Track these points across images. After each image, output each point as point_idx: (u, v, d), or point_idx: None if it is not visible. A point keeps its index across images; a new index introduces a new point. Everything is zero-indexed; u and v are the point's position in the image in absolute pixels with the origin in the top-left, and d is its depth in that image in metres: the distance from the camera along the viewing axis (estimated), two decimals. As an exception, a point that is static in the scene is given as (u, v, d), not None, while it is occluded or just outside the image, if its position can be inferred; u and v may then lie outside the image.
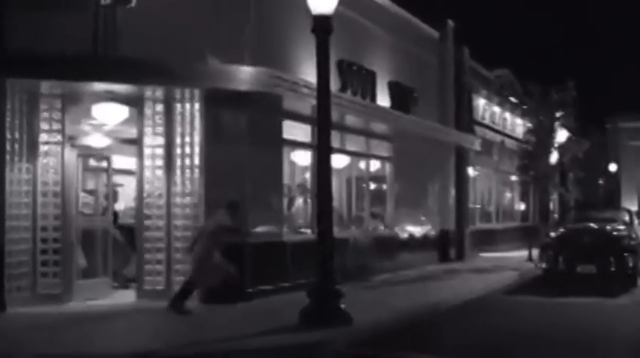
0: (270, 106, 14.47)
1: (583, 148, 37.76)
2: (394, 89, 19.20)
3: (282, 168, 15.48)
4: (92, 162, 14.73)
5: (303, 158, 16.88)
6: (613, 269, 17.66)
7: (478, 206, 30.77)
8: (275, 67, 13.98)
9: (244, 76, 13.24)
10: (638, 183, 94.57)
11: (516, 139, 31.05)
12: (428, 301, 14.58)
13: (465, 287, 17.11)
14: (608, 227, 19.00)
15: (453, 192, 24.87)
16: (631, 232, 18.94)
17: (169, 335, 10.66)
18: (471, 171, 28.02)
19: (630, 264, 17.79)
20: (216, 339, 10.03)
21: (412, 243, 21.49)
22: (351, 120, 17.63)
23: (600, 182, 57.50)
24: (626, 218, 20.93)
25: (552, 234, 19.18)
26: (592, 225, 19.42)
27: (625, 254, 17.77)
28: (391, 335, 11.25)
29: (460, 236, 25.33)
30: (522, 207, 36.47)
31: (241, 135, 14.04)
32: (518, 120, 33.26)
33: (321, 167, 11.58)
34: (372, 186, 20.39)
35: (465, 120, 26.15)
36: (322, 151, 11.57)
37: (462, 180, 25.65)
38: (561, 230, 19.86)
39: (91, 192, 14.71)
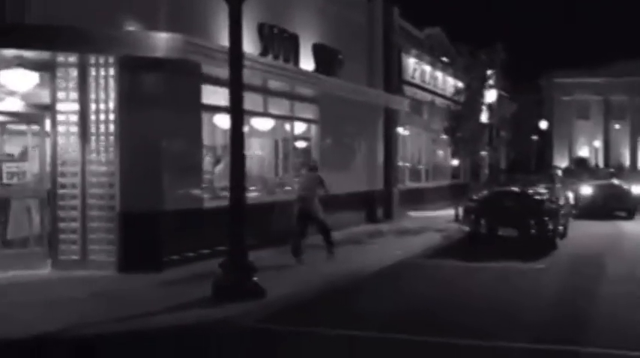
0: (188, 72, 14.21)
1: (511, 109, 38.25)
2: (319, 52, 18.98)
3: (202, 134, 15.22)
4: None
5: (225, 122, 16.61)
6: (533, 232, 17.92)
7: (408, 165, 30.96)
8: (194, 33, 13.73)
9: (159, 42, 12.95)
10: (570, 137, 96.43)
11: (447, 98, 31.17)
12: (347, 268, 14.57)
13: (386, 251, 17.19)
14: (529, 191, 19.24)
15: (381, 152, 24.90)
16: (552, 196, 19.16)
17: (73, 311, 10.28)
18: (400, 131, 28.10)
19: (550, 227, 18.07)
20: (121, 317, 9.77)
21: (339, 204, 21.41)
22: (274, 83, 17.47)
23: (534, 138, 58.17)
24: (549, 181, 21.24)
25: (475, 198, 19.31)
26: (514, 188, 19.67)
27: (545, 217, 18.01)
28: (305, 307, 11.24)
29: (388, 196, 25.45)
30: (456, 162, 36.76)
31: (158, 102, 13.80)
32: (450, 79, 33.43)
33: (234, 136, 11.38)
34: (298, 148, 20.25)
35: (395, 80, 26.13)
36: (235, 120, 11.37)
37: (390, 141, 25.68)
38: (484, 193, 20.08)
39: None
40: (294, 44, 17.81)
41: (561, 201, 20.18)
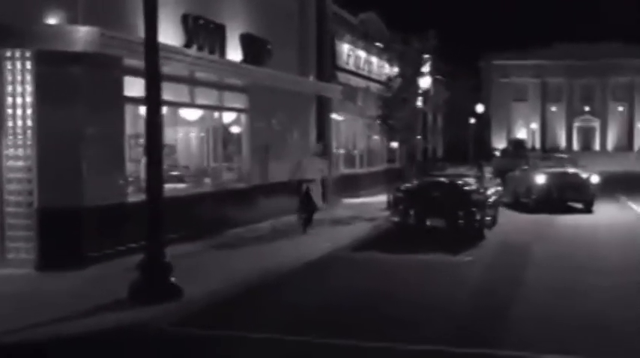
0: (109, 65, 13.94)
1: (444, 96, 38.52)
2: (246, 42, 18.79)
3: (124, 127, 14.92)
4: None
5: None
6: (461, 223, 18.01)
7: (342, 151, 30.98)
8: (116, 26, 13.48)
9: (76, 36, 12.70)
10: (508, 120, 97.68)
11: (383, 83, 31.16)
12: (273, 262, 14.45)
13: (315, 243, 17.11)
14: (458, 181, 19.32)
15: (313, 140, 24.79)
16: (481, 186, 19.26)
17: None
18: (334, 117, 28.06)
19: (478, 218, 18.16)
20: (28, 324, 9.41)
21: (270, 193, 21.36)
22: (201, 74, 17.24)
23: (471, 122, 58.73)
24: (477, 172, 21.36)
25: (403, 188, 19.32)
26: (442, 179, 19.74)
27: (473, 208, 18.10)
28: (223, 307, 11.10)
29: (322, 183, 25.32)
30: (395, 144, 36.89)
31: (77, 95, 13.52)
32: (386, 64, 33.44)
33: (150, 129, 11.09)
34: (228, 138, 20.07)
35: (328, 67, 26.05)
36: (150, 113, 11.05)
37: (323, 128, 25.62)
38: (414, 183, 20.14)
39: None
40: (221, 35, 17.58)
41: (491, 191, 20.29)
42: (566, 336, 9.64)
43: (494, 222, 20.75)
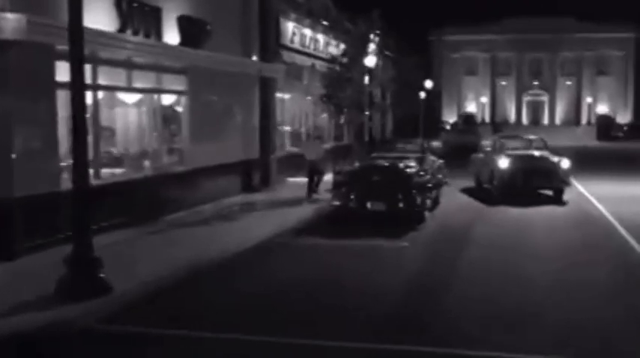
0: (39, 50, 13.54)
1: (392, 74, 38.50)
2: (184, 24, 18.47)
3: (56, 114, 14.58)
4: None
5: (88, 98, 16.07)
6: (401, 206, 18.02)
7: (289, 129, 30.86)
8: (45, 12, 13.12)
9: (2, 24, 12.33)
10: (459, 94, 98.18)
11: (329, 61, 30.99)
12: (209, 250, 14.29)
13: (253, 228, 16.97)
14: (399, 164, 19.28)
15: (257, 120, 24.63)
16: (421, 169, 19.24)
17: None
18: (280, 96, 27.89)
19: (418, 201, 18.18)
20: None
21: (212, 175, 21.19)
22: (138, 58, 16.96)
23: (421, 97, 58.75)
24: (420, 153, 21.35)
25: (344, 171, 19.25)
26: (382, 162, 19.68)
27: (413, 191, 18.11)
28: (153, 303, 10.95)
29: (265, 164, 25.25)
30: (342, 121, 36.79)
31: (7, 83, 13.15)
32: (333, 42, 33.27)
33: (76, 115, 10.77)
34: (168, 120, 19.81)
35: (272, 46, 25.77)
36: (76, 99, 10.71)
37: (267, 108, 25.40)
38: (355, 166, 20.10)
39: None
40: (156, 18, 17.27)
41: (432, 172, 20.29)
42: (489, 326, 9.69)
43: (436, 203, 20.85)
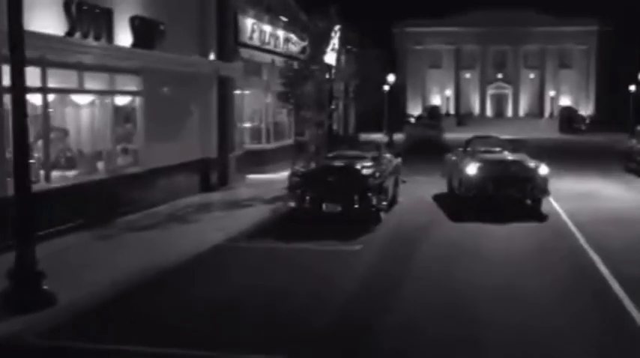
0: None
1: (354, 68, 38.41)
2: (137, 25, 18.27)
3: (4, 116, 14.35)
4: None
5: (38, 100, 15.90)
6: (357, 207, 18.02)
7: (248, 126, 30.77)
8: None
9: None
10: (423, 86, 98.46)
11: (290, 57, 30.82)
12: (159, 256, 14.14)
13: (207, 231, 16.87)
14: (354, 165, 19.24)
15: (215, 119, 24.48)
16: (377, 169, 19.20)
17: None
18: (239, 93, 27.77)
19: (374, 202, 18.20)
20: None
21: (168, 175, 21.08)
22: (90, 60, 16.77)
23: (385, 90, 58.76)
24: (375, 152, 21.26)
25: (300, 173, 19.20)
26: (338, 162, 19.65)
27: (368, 192, 18.12)
28: (97, 315, 10.74)
29: (223, 162, 25.13)
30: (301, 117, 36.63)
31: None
32: (293, 37, 33.10)
33: (16, 117, 10.61)
34: (123, 121, 19.63)
35: (230, 44, 25.61)
36: (17, 102, 10.57)
37: (225, 106, 25.24)
38: (311, 166, 20.06)
39: None
40: (107, 19, 17.04)
41: (389, 171, 20.28)
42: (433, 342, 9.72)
43: (393, 203, 20.89)
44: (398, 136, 54.71)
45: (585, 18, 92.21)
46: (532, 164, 20.64)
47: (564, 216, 19.54)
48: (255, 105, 31.21)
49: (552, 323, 10.41)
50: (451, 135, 69.81)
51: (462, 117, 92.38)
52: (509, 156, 21.97)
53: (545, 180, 19.99)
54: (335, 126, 47.10)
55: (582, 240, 16.30)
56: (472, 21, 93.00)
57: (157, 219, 18.36)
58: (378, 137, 54.40)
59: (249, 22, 28.42)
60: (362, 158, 20.25)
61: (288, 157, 31.59)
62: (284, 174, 26.54)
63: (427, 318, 10.72)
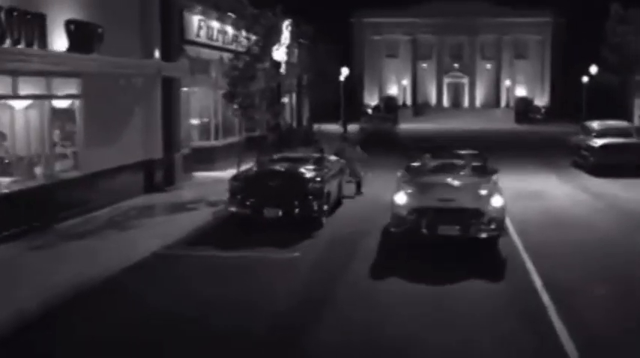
0: None
1: (303, 65, 38.42)
2: (72, 29, 17.96)
3: None
4: None
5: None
6: (297, 212, 17.98)
7: (196, 123, 30.60)
8: None
9: None
10: (380, 76, 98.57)
11: (238, 54, 30.57)
12: (92, 267, 13.89)
13: (145, 238, 16.70)
14: (296, 169, 19.16)
15: (159, 119, 24.27)
16: (319, 173, 19.14)
17: None
18: (187, 90, 27.59)
19: (315, 207, 18.15)
20: None
21: (110, 178, 20.87)
22: (25, 66, 16.49)
23: (342, 80, 58.74)
24: (318, 154, 21.09)
25: (240, 177, 19.12)
26: (279, 167, 19.55)
27: (309, 197, 18.09)
28: (22, 335, 10.58)
29: (169, 162, 24.94)
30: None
31: None
32: (243, 34, 32.84)
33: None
34: (61, 125, 19.35)
35: (175, 43, 25.35)
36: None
37: (170, 106, 25.02)
38: (252, 170, 19.95)
39: None
40: (40, 25, 16.73)
41: (331, 174, 20.23)
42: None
43: (338, 205, 20.90)
44: (354, 127, 54.78)
45: (540, 9, 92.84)
46: (484, 190, 15.83)
47: (508, 221, 19.41)
48: (204, 102, 31.02)
49: (465, 337, 10.46)
50: (408, 126, 70.32)
51: (419, 108, 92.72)
52: (455, 179, 16.89)
53: (500, 212, 15.35)
54: (288, 120, 47.12)
55: (520, 246, 16.37)
56: (429, 11, 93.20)
57: (96, 225, 18.16)
58: (334, 128, 54.63)
59: (195, 19, 28.21)
60: (305, 161, 20.17)
61: (242, 153, 31.49)
62: (233, 171, 26.50)
63: (353, 333, 10.73)
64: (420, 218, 15.18)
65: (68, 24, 17.91)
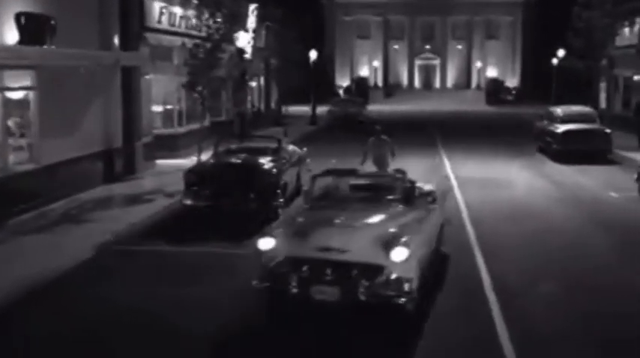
0: None
1: (270, 50, 38.37)
2: (23, 21, 17.72)
3: None
4: None
5: None
6: (253, 205, 17.93)
7: (160, 110, 30.43)
8: None
9: None
10: (351, 57, 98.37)
11: (203, 39, 30.32)
12: (36, 266, 13.58)
13: (95, 232, 16.50)
14: (252, 161, 19.10)
15: (119, 108, 24.10)
16: (275, 164, 19.09)
17: None
18: (149, 78, 27.40)
19: (271, 199, 18.10)
20: None
21: (68, 169, 20.70)
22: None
23: (313, 60, 58.40)
24: (276, 145, 20.96)
25: (196, 170, 19.01)
26: (234, 159, 19.45)
27: (265, 189, 18.05)
28: None
29: (130, 151, 24.82)
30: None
31: None
32: (210, 19, 32.61)
33: None
34: (16, 117, 19.14)
35: (134, 32, 25.10)
36: None
37: (130, 94, 24.85)
38: (209, 162, 19.84)
39: None
40: (-10, 18, 16.57)
41: (289, 164, 20.21)
42: None
43: (297, 193, 20.87)
44: (324, 109, 54.83)
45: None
46: (388, 235, 11.06)
47: (464, 211, 19.47)
48: (168, 89, 30.75)
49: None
50: (379, 107, 70.46)
51: (390, 89, 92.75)
52: (353, 215, 12.08)
53: (405, 269, 10.56)
54: (256, 104, 47.05)
55: (473, 237, 16.46)
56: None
57: (50, 219, 17.97)
58: (304, 110, 54.52)
59: (157, 6, 27.94)
60: (262, 151, 20.10)
61: (204, 138, 31.39)
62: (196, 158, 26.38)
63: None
64: (291, 273, 10.86)
65: (18, 16, 17.66)
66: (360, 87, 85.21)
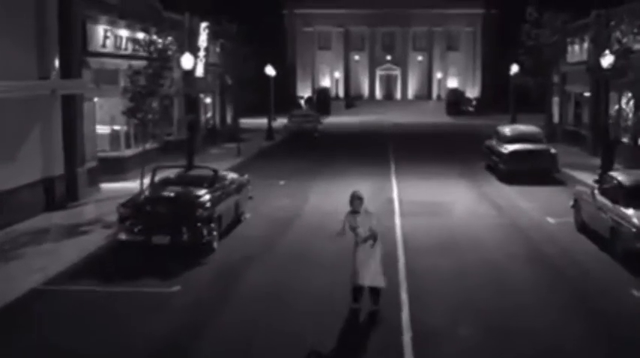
0: None
1: (224, 68, 38.31)
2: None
3: None
4: None
5: None
6: (185, 239, 17.83)
7: (106, 132, 30.25)
8: None
9: None
10: (313, 68, 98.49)
11: (150, 59, 30.11)
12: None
13: (28, 270, 16.39)
14: (186, 194, 18.91)
15: (59, 135, 23.91)
16: (211, 195, 18.94)
17: None
18: (92, 102, 27.24)
19: (204, 233, 17.96)
20: None
21: (3, 200, 20.53)
22: None
23: (270, 76, 58.28)
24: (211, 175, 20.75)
25: (129, 204, 18.75)
26: (168, 193, 19.23)
27: (198, 222, 17.94)
28: None
29: (72, 177, 24.65)
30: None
31: None
32: (156, 38, 32.48)
33: None
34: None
35: (75, 58, 24.94)
36: None
37: (72, 121, 24.69)
38: (142, 196, 19.61)
39: None
40: None
41: (225, 195, 20.07)
42: None
43: (237, 222, 20.89)
44: (284, 121, 55.15)
45: (471, 0, 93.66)
46: None
47: (399, 243, 19.41)
48: (114, 111, 30.52)
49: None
50: (339, 119, 70.65)
51: (352, 100, 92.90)
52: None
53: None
54: (211, 120, 46.94)
55: (402, 275, 16.43)
56: (361, 3, 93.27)
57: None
58: (262, 123, 54.37)
59: (100, 29, 27.77)
60: (198, 182, 19.88)
61: (154, 160, 31.20)
62: (145, 181, 26.14)
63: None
64: None
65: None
66: (322, 98, 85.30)
